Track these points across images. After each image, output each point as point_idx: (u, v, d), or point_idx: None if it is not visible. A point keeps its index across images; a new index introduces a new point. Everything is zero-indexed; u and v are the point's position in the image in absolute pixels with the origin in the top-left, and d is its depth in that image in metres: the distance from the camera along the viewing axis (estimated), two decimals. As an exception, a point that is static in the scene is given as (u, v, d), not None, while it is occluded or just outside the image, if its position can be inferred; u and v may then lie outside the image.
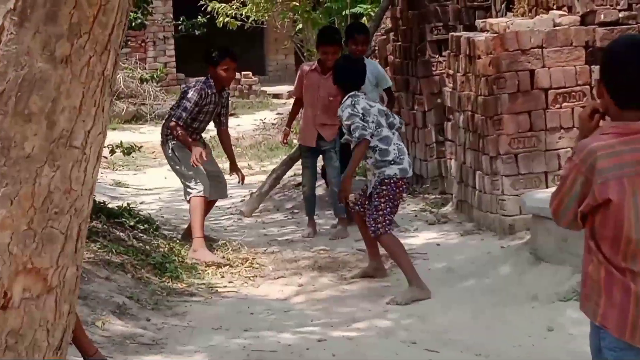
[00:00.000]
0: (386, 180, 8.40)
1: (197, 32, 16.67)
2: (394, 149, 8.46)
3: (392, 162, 8.41)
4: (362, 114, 8.41)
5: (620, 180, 3.60)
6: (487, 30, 10.43)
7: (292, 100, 21.03)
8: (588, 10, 10.20)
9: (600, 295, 3.66)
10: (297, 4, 17.48)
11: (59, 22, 1.79)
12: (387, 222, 8.50)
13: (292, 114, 11.78)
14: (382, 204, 8.41)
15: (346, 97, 8.58)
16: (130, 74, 21.26)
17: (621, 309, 3.65)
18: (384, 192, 8.42)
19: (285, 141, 12.05)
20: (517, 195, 9.87)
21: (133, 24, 12.91)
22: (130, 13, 10.18)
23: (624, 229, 3.61)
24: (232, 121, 20.27)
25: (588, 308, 3.77)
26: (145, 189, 14.46)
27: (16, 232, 1.84)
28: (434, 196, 12.05)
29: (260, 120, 19.87)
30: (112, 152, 12.34)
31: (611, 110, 3.72)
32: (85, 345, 6.50)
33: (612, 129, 3.65)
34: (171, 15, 22.96)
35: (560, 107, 10.16)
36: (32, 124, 1.81)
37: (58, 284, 1.91)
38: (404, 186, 8.72)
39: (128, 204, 11.55)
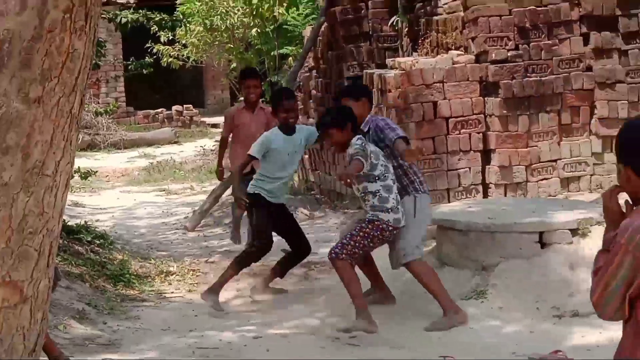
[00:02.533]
0: (376, 223, 7.66)
1: (144, 71, 16.66)
2: (393, 199, 7.71)
3: (390, 210, 7.69)
4: (371, 156, 7.54)
5: None
6: (396, 68, 10.52)
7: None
8: (481, 50, 10.36)
9: None
10: (232, 46, 17.52)
11: (32, 68, 1.80)
12: (352, 253, 7.68)
13: (221, 154, 10.83)
14: (359, 237, 7.69)
15: (356, 138, 7.56)
16: (86, 108, 21.13)
17: None
18: (367, 229, 7.69)
19: (223, 178, 11.44)
20: (424, 209, 9.96)
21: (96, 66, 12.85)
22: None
23: None
24: (175, 148, 20.29)
25: None
26: (100, 209, 14.31)
27: (-5, 250, 1.84)
28: (352, 210, 12.02)
29: (201, 147, 19.75)
30: (84, 176, 12.31)
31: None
32: (49, 347, 6.44)
33: None
34: (121, 57, 22.87)
35: (459, 133, 10.29)
36: (9, 156, 1.81)
37: (32, 294, 1.90)
38: (390, 236, 7.85)
39: (85, 222, 11.42)
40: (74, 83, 1.83)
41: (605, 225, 3.33)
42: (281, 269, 8.65)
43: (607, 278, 3.05)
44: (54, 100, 1.84)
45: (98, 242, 10.68)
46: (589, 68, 10.53)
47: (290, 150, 8.48)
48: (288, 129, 8.33)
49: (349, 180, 7.64)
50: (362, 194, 7.79)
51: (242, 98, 18.84)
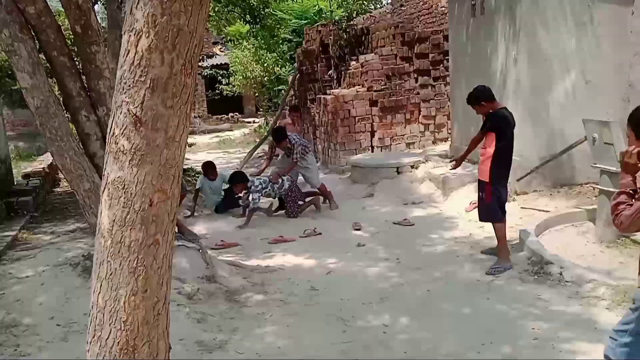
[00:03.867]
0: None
1: (215, 97, 16.56)
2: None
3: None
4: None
5: None
6: (331, 94, 10.42)
7: (255, 123, 20.57)
8: (369, 85, 10.26)
9: None
10: (255, 86, 17.32)
11: (167, 92, 1.77)
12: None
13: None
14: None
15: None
16: (195, 115, 20.94)
17: None
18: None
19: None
20: (344, 158, 9.94)
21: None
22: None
23: None
24: (230, 133, 20.02)
25: None
26: (197, 160, 14.14)
27: (154, 174, 1.82)
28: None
29: (243, 132, 19.60)
30: (189, 145, 12.14)
31: None
32: (179, 223, 6.35)
33: None
34: (204, 90, 22.52)
35: (360, 123, 10.25)
36: (158, 133, 1.79)
37: (171, 195, 1.89)
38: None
39: (191, 167, 11.33)
40: (186, 99, 1.80)
41: (622, 171, 2.48)
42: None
43: (636, 213, 2.29)
44: (177, 107, 1.81)
45: (197, 175, 10.60)
46: (418, 93, 10.51)
47: None
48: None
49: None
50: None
51: (261, 110, 18.71)
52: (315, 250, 5.91)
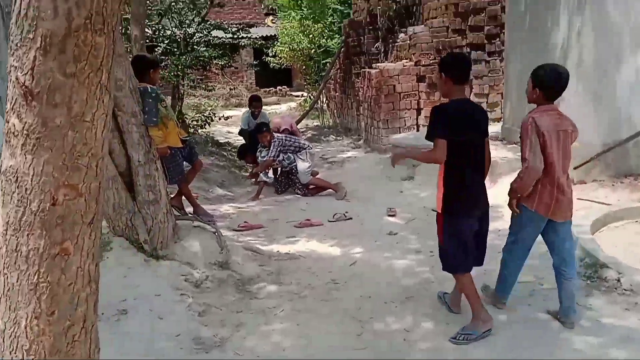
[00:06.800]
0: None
1: (257, 69, 16.21)
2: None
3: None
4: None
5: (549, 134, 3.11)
6: (376, 68, 9.82)
7: (303, 97, 20.13)
8: (417, 60, 9.58)
9: None
10: (302, 58, 16.83)
11: (67, 54, 1.33)
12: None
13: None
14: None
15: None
16: (236, 86, 20.62)
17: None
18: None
19: None
20: (387, 136, 9.37)
21: (230, 66, 12.23)
22: (228, 60, 9.26)
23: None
24: (278, 106, 19.68)
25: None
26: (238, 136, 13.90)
27: (55, 166, 1.41)
28: (356, 136, 11.51)
29: (289, 105, 19.20)
30: (225, 118, 11.75)
31: (539, 101, 3.17)
32: (195, 205, 5.96)
33: (542, 108, 3.15)
34: (253, 61, 22.20)
35: (406, 100, 9.61)
36: (58, 109, 1.36)
37: (85, 191, 1.46)
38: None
39: (228, 141, 11.03)
40: (99, 64, 1.36)
41: None
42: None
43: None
44: (83, 75, 1.38)
45: (234, 150, 10.31)
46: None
47: None
48: None
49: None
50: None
51: (305, 83, 18.16)
52: (342, 237, 5.46)
